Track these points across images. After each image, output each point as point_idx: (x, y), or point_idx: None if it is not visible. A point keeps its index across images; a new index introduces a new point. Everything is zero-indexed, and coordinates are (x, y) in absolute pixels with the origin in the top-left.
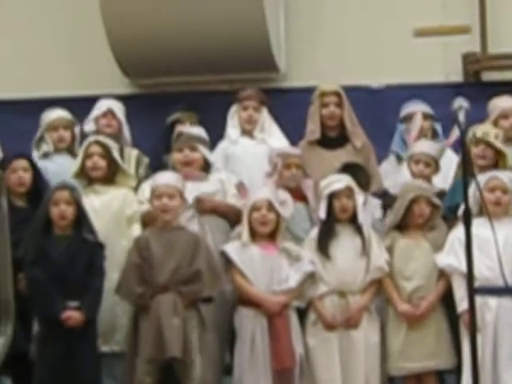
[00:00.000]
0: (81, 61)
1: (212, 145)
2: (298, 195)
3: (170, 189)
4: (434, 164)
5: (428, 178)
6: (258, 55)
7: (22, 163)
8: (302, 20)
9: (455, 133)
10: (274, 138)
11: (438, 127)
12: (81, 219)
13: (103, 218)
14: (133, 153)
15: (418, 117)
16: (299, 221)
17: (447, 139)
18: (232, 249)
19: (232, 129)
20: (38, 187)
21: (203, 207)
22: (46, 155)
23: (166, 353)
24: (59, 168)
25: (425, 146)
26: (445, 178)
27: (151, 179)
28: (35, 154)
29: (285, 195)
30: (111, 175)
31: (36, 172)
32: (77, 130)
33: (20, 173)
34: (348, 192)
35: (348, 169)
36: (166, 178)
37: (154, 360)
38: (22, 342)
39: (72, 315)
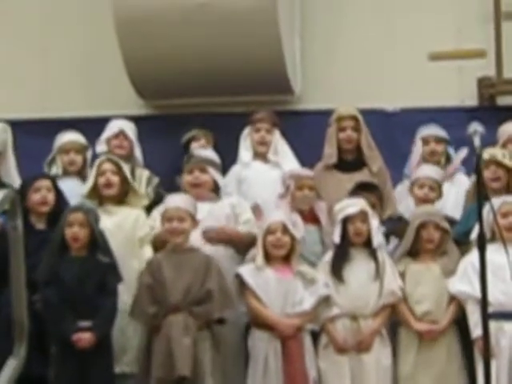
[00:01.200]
0: (96, 82)
1: (226, 167)
2: (310, 218)
3: (180, 212)
4: (438, 188)
5: (432, 203)
6: (273, 77)
7: (45, 183)
8: (317, 43)
9: (460, 155)
10: (287, 160)
11: (452, 151)
12: (95, 241)
13: (115, 238)
14: (144, 173)
15: (418, 144)
16: (310, 244)
17: (454, 161)
18: (246, 271)
19: (244, 151)
20: (60, 209)
21: (211, 239)
22: (55, 177)
23: (176, 372)
24: (66, 190)
25: (429, 170)
26: (456, 205)
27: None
28: None
29: (295, 217)
30: (123, 195)
31: (59, 193)
32: (89, 154)
33: (43, 192)
34: (362, 216)
35: (362, 188)
36: (176, 201)
37: (164, 380)
38: (38, 365)
39: (82, 336)
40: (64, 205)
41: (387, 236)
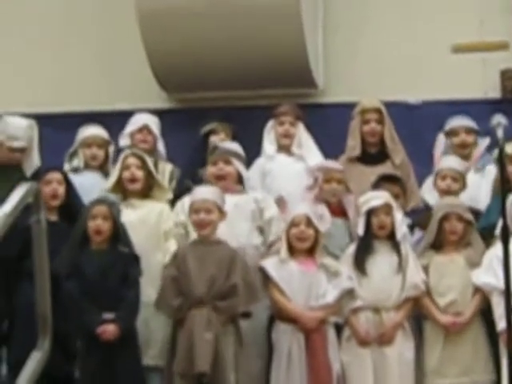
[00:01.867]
0: (119, 75)
1: (249, 160)
2: (338, 211)
3: (208, 203)
4: (461, 179)
5: (456, 194)
6: (296, 71)
7: (56, 176)
8: (339, 36)
9: (481, 145)
10: (311, 154)
11: (482, 142)
12: (117, 234)
13: (140, 232)
14: (167, 167)
15: (440, 138)
16: (337, 237)
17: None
18: (270, 264)
19: (268, 144)
20: (71, 202)
21: None
22: (75, 170)
23: (195, 367)
24: (87, 184)
25: (451, 161)
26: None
27: (189, 195)
28: (66, 167)
29: (323, 210)
30: (147, 189)
31: (69, 186)
32: (111, 149)
33: (54, 185)
34: (387, 209)
35: (384, 180)
36: (203, 193)
37: (186, 375)
38: (63, 364)
39: (107, 329)
40: (75, 198)
41: (412, 228)
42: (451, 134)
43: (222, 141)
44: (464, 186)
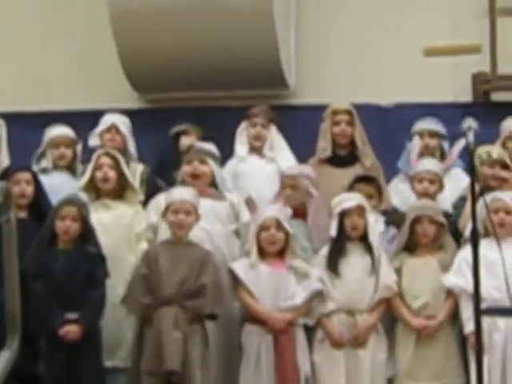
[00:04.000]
0: (90, 75)
1: (222, 162)
2: (300, 212)
3: (187, 205)
4: (438, 181)
5: (433, 196)
6: (268, 72)
7: (25, 176)
8: (312, 37)
9: (459, 144)
10: (283, 156)
11: (446, 146)
12: (86, 235)
13: (112, 233)
14: (138, 168)
15: (416, 140)
16: (298, 239)
17: (453, 150)
18: (240, 267)
19: (240, 145)
20: (39, 201)
21: None
22: (44, 170)
23: (165, 366)
24: (56, 184)
25: (428, 164)
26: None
27: (165, 194)
28: (34, 168)
29: (287, 211)
30: (119, 189)
31: (38, 186)
32: (79, 148)
33: (23, 185)
34: (359, 210)
35: (360, 180)
36: (182, 194)
37: (154, 373)
38: (30, 363)
39: (70, 330)
40: (43, 197)
41: (387, 225)
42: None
43: (193, 142)
44: (441, 188)
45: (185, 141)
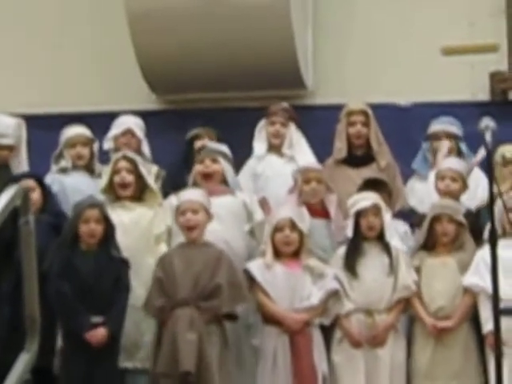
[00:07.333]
0: (108, 76)
1: (239, 162)
2: (319, 211)
3: (194, 204)
4: (461, 180)
5: (456, 194)
6: (285, 72)
7: (27, 183)
8: (329, 37)
9: (481, 152)
10: (302, 154)
11: (463, 147)
12: (108, 236)
13: (132, 234)
14: (152, 169)
15: (444, 144)
16: (319, 238)
17: (475, 158)
18: (255, 267)
19: (258, 143)
20: (47, 201)
21: None
22: (63, 170)
23: (180, 367)
24: (77, 184)
25: (450, 162)
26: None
27: (176, 196)
28: (53, 169)
29: (302, 210)
30: (138, 192)
31: (44, 189)
32: (95, 147)
33: None
34: (375, 210)
35: (370, 185)
36: (188, 194)
37: (170, 375)
38: (46, 355)
39: (96, 334)
40: (50, 199)
41: (412, 227)
42: (431, 137)
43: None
44: (465, 187)
45: (198, 145)
